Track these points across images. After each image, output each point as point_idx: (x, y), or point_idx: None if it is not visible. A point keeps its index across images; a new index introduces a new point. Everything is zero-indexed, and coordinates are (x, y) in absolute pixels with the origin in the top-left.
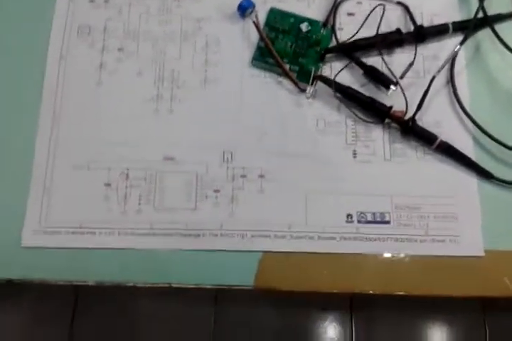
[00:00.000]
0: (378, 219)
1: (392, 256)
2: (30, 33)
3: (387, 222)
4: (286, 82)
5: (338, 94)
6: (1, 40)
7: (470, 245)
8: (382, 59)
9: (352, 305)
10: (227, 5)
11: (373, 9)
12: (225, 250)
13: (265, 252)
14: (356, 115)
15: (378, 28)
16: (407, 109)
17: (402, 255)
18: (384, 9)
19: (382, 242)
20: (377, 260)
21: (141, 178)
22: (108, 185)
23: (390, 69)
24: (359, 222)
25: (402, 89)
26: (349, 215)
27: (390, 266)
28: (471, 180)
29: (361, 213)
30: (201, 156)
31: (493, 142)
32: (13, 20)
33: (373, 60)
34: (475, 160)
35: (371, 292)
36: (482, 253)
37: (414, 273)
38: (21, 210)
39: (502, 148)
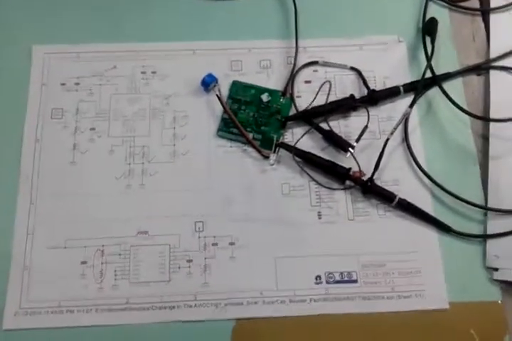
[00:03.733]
0: (346, 279)
1: (362, 315)
2: (5, 117)
3: (355, 281)
4: (251, 150)
5: (298, 160)
6: None
7: (435, 299)
8: (329, 127)
9: None
10: (192, 81)
11: (322, 85)
12: (200, 320)
13: (239, 319)
14: (316, 181)
15: (327, 100)
16: (360, 171)
17: (370, 313)
18: (330, 85)
19: (351, 301)
20: (347, 319)
21: (116, 254)
22: (84, 262)
23: (341, 137)
24: (328, 282)
25: (353, 155)
26: (318, 276)
27: (360, 324)
28: (431, 234)
29: (329, 273)
30: (173, 228)
31: (450, 196)
32: None
33: (332, 124)
34: (434, 214)
35: None
36: (447, 306)
37: (383, 330)
38: (1, 292)
39: (458, 201)
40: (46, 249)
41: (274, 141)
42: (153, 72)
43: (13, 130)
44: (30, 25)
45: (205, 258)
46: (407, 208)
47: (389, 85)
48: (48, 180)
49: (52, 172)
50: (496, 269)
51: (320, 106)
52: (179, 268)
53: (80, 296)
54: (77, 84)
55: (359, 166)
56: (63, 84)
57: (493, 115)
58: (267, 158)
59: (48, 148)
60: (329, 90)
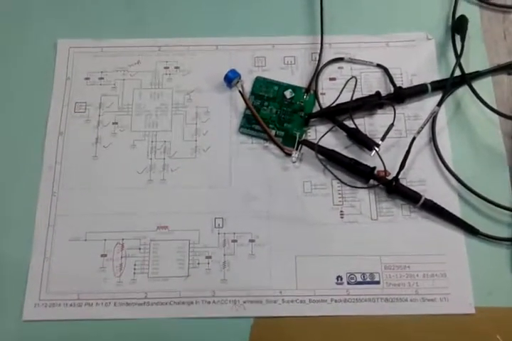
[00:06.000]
0: (368, 280)
1: (383, 317)
2: (30, 110)
3: (377, 282)
4: (273, 147)
5: (321, 157)
6: (2, 116)
7: (460, 303)
8: (355, 125)
9: None
10: (215, 76)
11: (347, 81)
12: (217, 317)
13: (257, 318)
14: (340, 180)
15: (352, 96)
16: (385, 170)
17: (393, 315)
18: (356, 81)
19: (373, 303)
20: (369, 321)
21: (135, 248)
22: (104, 255)
23: (366, 135)
24: (349, 283)
25: (378, 154)
26: (339, 277)
27: (382, 327)
28: (458, 236)
29: (351, 274)
30: (193, 223)
31: (478, 198)
32: (12, 98)
33: (357, 122)
34: (461, 216)
35: None
36: (473, 311)
37: (406, 334)
38: (22, 284)
39: (487, 203)
40: (67, 241)
41: (297, 138)
42: (176, 68)
43: (37, 122)
44: (55, 20)
45: (225, 255)
46: (433, 209)
47: (416, 83)
48: (70, 173)
49: (74, 165)
50: None
51: (344, 103)
52: (198, 264)
53: (98, 289)
54: (101, 78)
55: (384, 165)
56: (87, 79)
57: None
58: (289, 155)
59: (71, 141)
60: (355, 86)
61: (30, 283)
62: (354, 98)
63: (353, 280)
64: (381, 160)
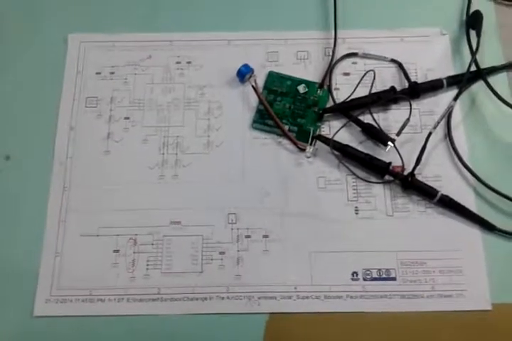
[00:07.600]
0: (384, 276)
1: (400, 314)
2: (40, 105)
3: (393, 279)
4: (286, 142)
5: (336, 153)
6: (13, 111)
7: (477, 299)
8: (374, 120)
9: None
10: (227, 71)
11: (364, 75)
12: (232, 313)
13: (272, 314)
14: (355, 175)
15: (370, 90)
16: (403, 166)
17: (409, 312)
18: (374, 74)
19: (389, 299)
20: (385, 318)
21: (148, 243)
22: (116, 251)
23: (381, 130)
24: (364, 279)
25: (396, 148)
26: (354, 273)
27: (398, 323)
28: (474, 232)
29: (366, 270)
30: (206, 219)
31: (494, 193)
32: (23, 92)
33: (371, 117)
34: (477, 212)
35: None
36: (489, 307)
37: (422, 330)
38: (33, 279)
39: (503, 199)
40: (78, 236)
41: (311, 134)
42: (188, 62)
43: (47, 117)
44: (66, 14)
45: (238, 251)
46: (450, 205)
47: (431, 78)
48: (82, 168)
49: (86, 161)
50: None
51: (359, 98)
52: (212, 259)
53: (111, 285)
54: (112, 73)
55: (402, 160)
56: (98, 73)
57: None
58: (303, 150)
59: (82, 136)
60: (373, 80)
61: (41, 279)
62: (370, 92)
63: (368, 277)
64: (399, 154)
